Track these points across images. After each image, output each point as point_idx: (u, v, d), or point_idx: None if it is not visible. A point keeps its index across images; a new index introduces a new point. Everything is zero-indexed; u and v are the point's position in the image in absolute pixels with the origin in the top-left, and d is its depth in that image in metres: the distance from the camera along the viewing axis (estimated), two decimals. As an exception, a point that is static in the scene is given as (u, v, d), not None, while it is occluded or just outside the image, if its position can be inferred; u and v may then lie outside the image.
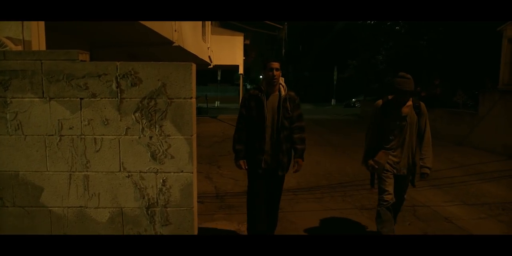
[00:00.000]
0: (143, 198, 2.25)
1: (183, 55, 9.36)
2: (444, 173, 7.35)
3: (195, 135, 2.27)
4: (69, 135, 2.21)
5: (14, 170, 2.22)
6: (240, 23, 14.48)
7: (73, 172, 2.22)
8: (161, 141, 2.21)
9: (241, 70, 15.29)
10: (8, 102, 2.18)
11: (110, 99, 2.18)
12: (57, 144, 2.21)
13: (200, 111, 18.27)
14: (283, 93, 3.35)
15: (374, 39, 17.73)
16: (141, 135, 2.21)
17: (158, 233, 2.26)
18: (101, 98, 2.18)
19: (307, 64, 32.72)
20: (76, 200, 2.25)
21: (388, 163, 3.50)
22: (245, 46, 14.32)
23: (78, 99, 2.18)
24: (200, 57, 10.74)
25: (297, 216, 4.83)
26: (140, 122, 2.20)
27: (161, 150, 2.21)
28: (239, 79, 17.36)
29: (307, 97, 31.74)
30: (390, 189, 3.52)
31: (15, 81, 2.17)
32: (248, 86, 45.04)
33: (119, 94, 2.18)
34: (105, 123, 2.20)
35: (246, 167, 3.40)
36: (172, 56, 9.43)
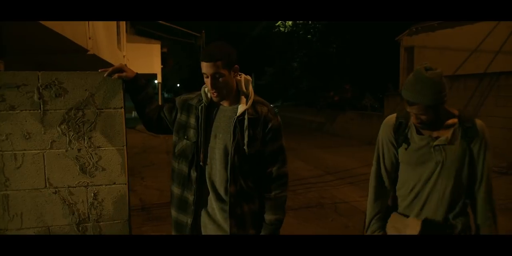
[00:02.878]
0: (73, 214, 2.13)
1: (98, 64, 8.92)
2: (358, 171, 7.95)
3: (126, 146, 2.21)
4: (-16, 152, 2.02)
5: None
6: (157, 31, 14.20)
7: (-10, 192, 2.04)
8: (90, 153, 2.12)
9: (159, 79, 14.96)
10: None
11: (31, 111, 2.05)
12: (-30, 162, 2.01)
13: (117, 122, 17.43)
14: (243, 106, 1.88)
15: (288, 47, 18.58)
16: (69, 148, 2.10)
17: (91, 250, 2.16)
18: (21, 110, 2.04)
19: (225, 71, 33.05)
20: (-5, 222, 2.06)
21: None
22: (162, 54, 14.06)
23: (-6, 112, 2.01)
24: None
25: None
26: (67, 135, 2.09)
27: (91, 163, 2.13)
28: (157, 87, 16.97)
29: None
30: None
31: None
32: (166, 95, 43.85)
33: (42, 106, 2.05)
34: (27, 137, 2.05)
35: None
36: (86, 65, 8.94)
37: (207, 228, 1.99)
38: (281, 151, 1.95)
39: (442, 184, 1.84)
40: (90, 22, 6.99)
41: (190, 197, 2.00)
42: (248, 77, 1.98)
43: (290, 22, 20.16)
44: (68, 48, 6.30)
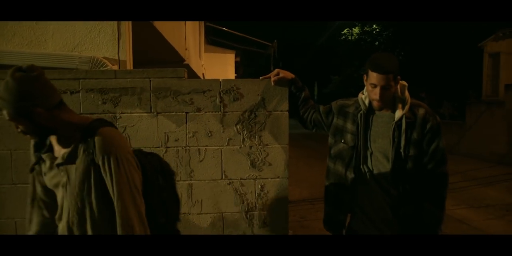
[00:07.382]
0: (243, 203, 2.44)
1: (188, 73, 9.54)
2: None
3: (288, 144, 2.49)
4: (174, 147, 2.39)
5: (122, 181, 2.38)
6: (230, 41, 14.85)
7: (178, 181, 2.40)
8: (260, 150, 2.43)
9: (231, 86, 15.50)
10: (118, 117, 2.36)
11: (213, 113, 2.39)
12: (163, 156, 2.38)
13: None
14: (400, 112, 1.97)
15: (356, 55, 18.51)
16: (242, 145, 2.42)
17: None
18: (205, 112, 2.39)
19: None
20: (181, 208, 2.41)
21: None
22: (236, 63, 14.65)
23: (184, 113, 2.38)
24: (198, 74, 10.96)
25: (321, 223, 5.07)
26: (241, 133, 2.41)
27: (260, 158, 2.43)
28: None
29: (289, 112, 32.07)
30: None
31: (124, 98, 2.35)
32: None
33: (222, 108, 2.39)
34: (209, 135, 2.40)
35: None
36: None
37: (363, 226, 2.07)
38: (440, 150, 1.97)
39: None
40: (186, 34, 7.57)
41: (346, 196, 2.09)
42: (404, 83, 2.03)
43: (356, 30, 20.05)
44: (173, 59, 6.87)
